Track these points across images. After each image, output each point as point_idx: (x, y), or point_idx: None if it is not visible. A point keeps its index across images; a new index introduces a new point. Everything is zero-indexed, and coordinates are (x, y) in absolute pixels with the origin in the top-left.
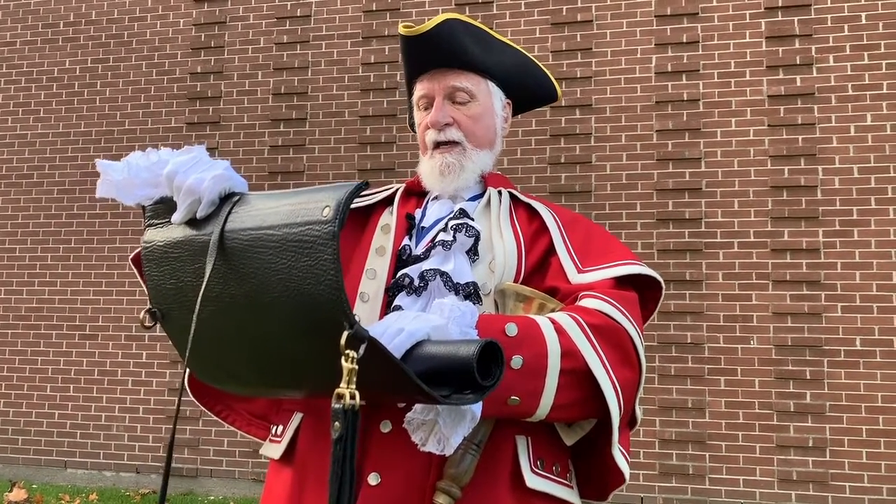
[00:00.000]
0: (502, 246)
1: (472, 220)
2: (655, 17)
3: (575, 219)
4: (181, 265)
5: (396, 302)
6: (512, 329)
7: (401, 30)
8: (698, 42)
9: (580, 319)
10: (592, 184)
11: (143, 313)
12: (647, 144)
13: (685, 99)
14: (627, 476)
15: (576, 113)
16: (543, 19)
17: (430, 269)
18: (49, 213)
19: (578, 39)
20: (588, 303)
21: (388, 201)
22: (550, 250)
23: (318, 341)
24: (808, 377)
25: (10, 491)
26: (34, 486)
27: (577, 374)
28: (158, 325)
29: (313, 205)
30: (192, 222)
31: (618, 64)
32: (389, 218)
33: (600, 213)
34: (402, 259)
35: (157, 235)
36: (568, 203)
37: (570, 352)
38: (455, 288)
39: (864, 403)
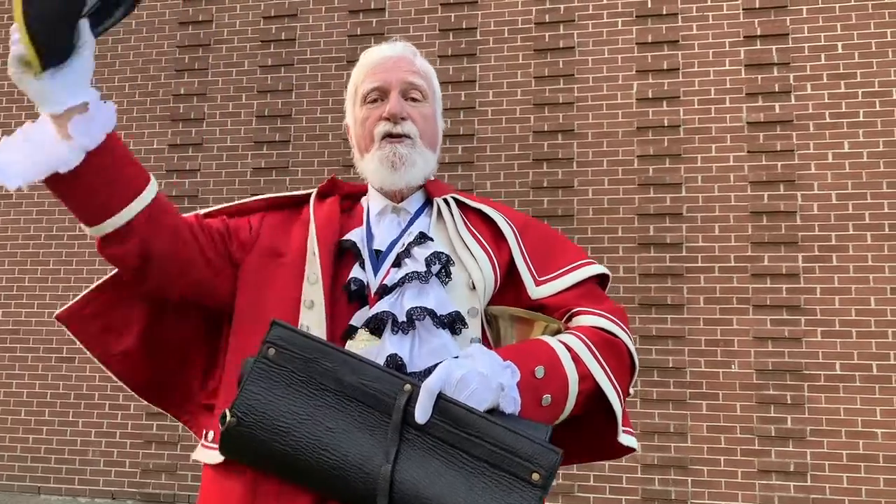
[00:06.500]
0: (475, 262)
1: (432, 240)
2: (636, 44)
3: (527, 222)
4: (319, 410)
5: (385, 342)
6: (540, 371)
7: None
8: (679, 69)
9: (587, 341)
10: (574, 208)
11: (226, 411)
12: (628, 169)
13: (666, 125)
14: (638, 448)
15: (558, 138)
16: (526, 45)
17: (417, 308)
18: (27, 233)
19: (560, 66)
20: (589, 320)
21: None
22: (512, 260)
23: None
24: (789, 402)
25: None
26: None
27: (589, 392)
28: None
29: (518, 462)
30: (363, 396)
31: (599, 90)
32: (313, 244)
33: (582, 237)
34: (352, 291)
35: (303, 368)
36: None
37: (584, 376)
38: (441, 322)
39: (844, 428)
